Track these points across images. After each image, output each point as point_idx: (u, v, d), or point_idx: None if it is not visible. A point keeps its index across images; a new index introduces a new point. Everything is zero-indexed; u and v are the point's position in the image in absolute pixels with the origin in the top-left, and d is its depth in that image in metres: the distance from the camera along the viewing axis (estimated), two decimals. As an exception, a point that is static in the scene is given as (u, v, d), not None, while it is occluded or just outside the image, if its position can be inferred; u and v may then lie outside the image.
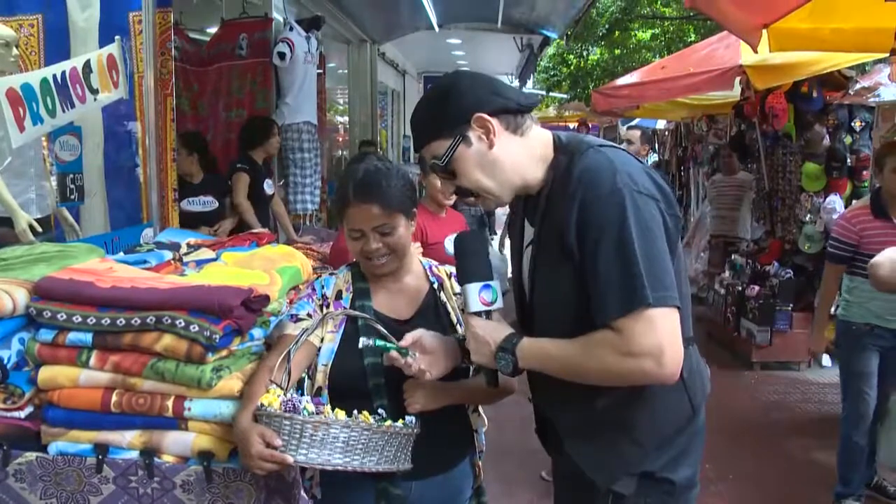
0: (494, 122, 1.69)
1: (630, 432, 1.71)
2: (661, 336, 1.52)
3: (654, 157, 12.85)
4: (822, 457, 4.82)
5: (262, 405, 1.71)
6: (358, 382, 1.95)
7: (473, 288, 1.77)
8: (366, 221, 1.95)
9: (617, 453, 1.72)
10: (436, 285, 2.12)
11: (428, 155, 1.76)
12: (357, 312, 1.98)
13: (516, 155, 1.72)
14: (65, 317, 1.83)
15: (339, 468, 1.73)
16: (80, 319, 1.82)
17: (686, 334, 1.71)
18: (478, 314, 1.77)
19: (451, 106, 1.70)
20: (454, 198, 3.62)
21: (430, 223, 3.41)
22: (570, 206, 1.61)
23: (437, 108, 1.74)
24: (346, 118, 10.84)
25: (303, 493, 2.01)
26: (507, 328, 1.75)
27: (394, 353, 1.86)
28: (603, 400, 1.68)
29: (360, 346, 1.88)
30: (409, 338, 1.88)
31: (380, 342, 1.87)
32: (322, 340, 1.99)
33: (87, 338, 1.82)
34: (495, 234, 11.19)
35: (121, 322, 1.81)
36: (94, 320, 1.82)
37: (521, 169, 1.73)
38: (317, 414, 1.72)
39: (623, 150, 1.73)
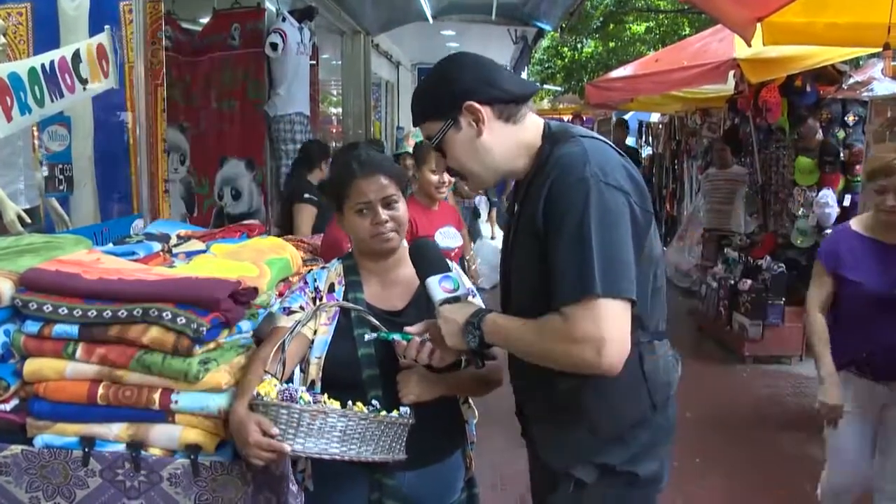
0: (486, 110, 1.72)
1: (586, 420, 1.74)
2: (605, 327, 1.52)
3: (647, 150, 12.86)
4: (813, 450, 4.81)
5: (258, 394, 1.71)
6: (352, 374, 1.95)
7: (433, 280, 1.84)
8: (374, 191, 1.99)
9: (572, 440, 1.76)
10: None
11: (423, 132, 1.82)
12: (351, 304, 1.99)
13: (505, 143, 1.75)
14: (51, 308, 1.81)
15: (336, 457, 1.73)
16: (66, 311, 1.81)
17: (654, 329, 1.75)
18: (445, 301, 1.82)
19: (444, 90, 1.74)
20: (446, 191, 3.61)
21: (421, 217, 3.40)
22: (540, 192, 1.65)
23: (432, 90, 1.79)
24: (340, 109, 10.79)
25: (293, 485, 2.01)
26: (475, 307, 1.79)
27: (402, 342, 1.88)
28: (563, 386, 1.70)
29: (366, 339, 1.92)
30: (418, 327, 1.90)
31: (384, 334, 1.90)
32: (315, 333, 1.99)
33: (74, 330, 1.81)
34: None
35: (107, 314, 1.80)
36: (81, 312, 1.81)
37: (508, 156, 1.77)
38: (314, 403, 1.72)
39: (605, 141, 1.75)
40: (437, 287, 1.83)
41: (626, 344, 1.55)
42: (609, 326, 1.52)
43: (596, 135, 1.77)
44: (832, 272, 3.11)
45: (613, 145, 1.75)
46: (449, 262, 2.11)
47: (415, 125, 1.88)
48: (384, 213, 1.99)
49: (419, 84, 1.84)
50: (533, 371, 1.72)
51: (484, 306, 1.84)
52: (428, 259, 1.89)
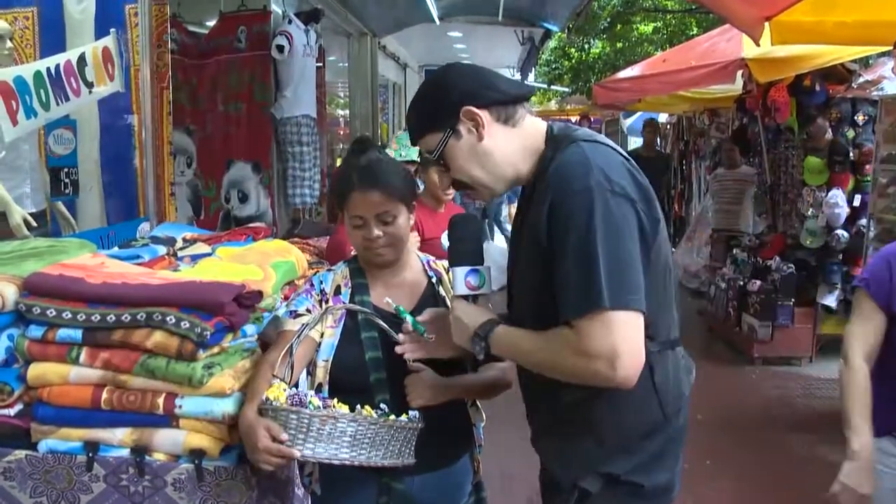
0: (484, 114, 1.68)
1: (594, 432, 1.70)
2: (617, 340, 1.49)
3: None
4: (823, 452, 4.79)
5: (267, 399, 1.70)
6: (359, 377, 1.94)
7: (461, 271, 1.80)
8: (368, 208, 1.94)
9: (580, 451, 1.73)
10: (434, 280, 2.12)
11: (423, 148, 1.77)
12: (358, 307, 1.97)
13: (508, 147, 1.72)
14: (55, 313, 1.81)
15: (346, 462, 1.72)
16: (69, 316, 1.81)
17: (665, 337, 1.70)
18: (464, 297, 1.79)
19: (440, 99, 1.71)
20: (452, 193, 3.59)
21: (428, 219, 3.38)
22: (542, 202, 1.61)
23: (427, 102, 1.75)
24: (347, 112, 10.81)
25: (299, 490, 2.00)
26: (487, 314, 1.76)
27: (409, 324, 1.88)
28: (570, 398, 1.67)
29: (386, 300, 1.93)
30: (427, 314, 1.90)
31: (403, 311, 1.90)
32: (322, 336, 1.97)
33: (77, 334, 1.81)
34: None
35: (111, 318, 1.80)
36: (84, 316, 1.80)
37: (512, 161, 1.73)
38: (324, 408, 1.71)
39: (609, 144, 1.70)
40: (462, 280, 1.79)
41: (641, 356, 1.52)
42: (621, 339, 1.49)
43: (599, 137, 1.72)
44: (885, 307, 2.38)
45: (618, 148, 1.70)
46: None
47: (413, 143, 1.83)
48: (377, 230, 1.95)
49: (413, 101, 1.80)
50: (537, 383, 1.70)
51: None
52: (464, 243, 1.84)
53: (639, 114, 13.78)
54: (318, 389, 1.93)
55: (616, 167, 1.60)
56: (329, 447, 1.70)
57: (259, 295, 1.97)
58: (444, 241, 3.40)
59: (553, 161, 1.64)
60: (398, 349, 1.88)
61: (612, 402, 1.64)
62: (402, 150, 4.08)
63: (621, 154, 1.68)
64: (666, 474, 1.74)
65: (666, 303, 1.70)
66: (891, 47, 4.25)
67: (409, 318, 1.88)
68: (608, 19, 15.99)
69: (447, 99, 1.69)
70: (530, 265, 1.69)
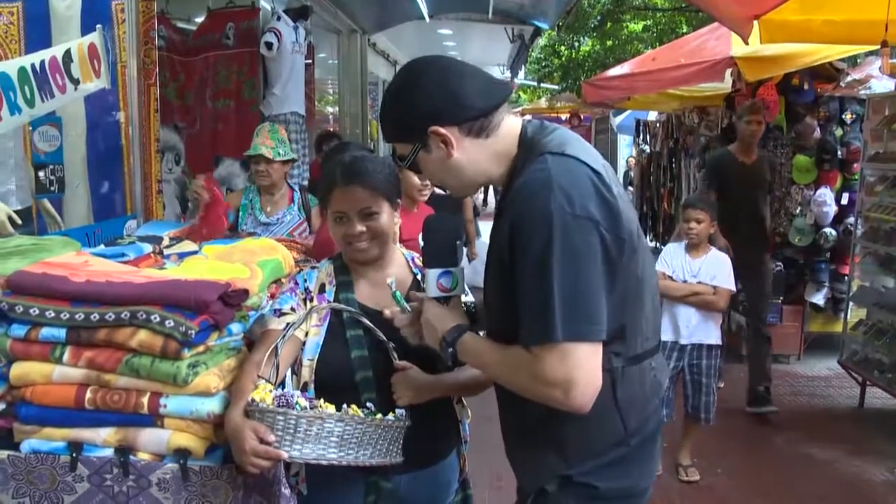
0: (453, 131, 1.62)
1: (558, 446, 1.68)
2: (573, 370, 1.47)
3: (645, 149, 12.83)
4: (810, 449, 4.82)
5: (254, 400, 1.69)
6: (345, 376, 1.93)
7: (433, 273, 1.77)
8: (350, 204, 1.94)
9: (544, 463, 1.71)
10: (419, 276, 2.11)
11: (397, 151, 1.75)
12: (342, 306, 1.97)
13: (479, 157, 1.67)
14: (38, 312, 1.79)
15: (334, 462, 1.72)
16: (53, 314, 1.79)
17: (634, 352, 1.66)
18: (435, 299, 1.78)
19: (408, 115, 1.65)
20: (428, 193, 3.58)
21: (404, 219, 3.35)
22: (506, 218, 1.58)
23: (396, 113, 1.69)
24: (337, 109, 10.78)
25: (285, 489, 1.99)
26: (456, 319, 1.74)
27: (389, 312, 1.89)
28: (536, 411, 1.63)
29: (388, 281, 1.95)
30: (416, 297, 1.89)
31: (398, 295, 1.91)
32: (307, 334, 1.97)
33: (61, 333, 1.79)
34: None
35: (95, 317, 1.78)
36: (68, 315, 1.79)
37: (484, 169, 1.69)
38: (310, 409, 1.70)
39: (577, 156, 1.60)
40: (434, 282, 1.76)
41: (597, 382, 1.51)
42: (576, 370, 1.47)
43: (570, 147, 1.62)
44: None
45: (588, 159, 1.60)
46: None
47: (387, 142, 1.82)
48: (360, 225, 1.95)
49: (384, 102, 1.72)
50: (505, 394, 1.70)
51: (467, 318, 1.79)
52: (437, 245, 1.80)
53: (628, 112, 13.81)
54: (304, 388, 1.93)
55: (580, 185, 1.53)
56: (316, 448, 1.69)
57: (245, 293, 1.96)
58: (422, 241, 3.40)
59: (518, 174, 1.60)
60: (386, 313, 1.91)
61: (574, 417, 1.58)
62: (280, 147, 3.98)
63: (589, 166, 1.58)
64: (626, 480, 1.70)
65: (639, 317, 1.66)
66: (878, 46, 4.27)
67: (402, 306, 1.90)
68: (598, 17, 16.04)
69: (415, 116, 1.63)
70: (495, 276, 1.67)
